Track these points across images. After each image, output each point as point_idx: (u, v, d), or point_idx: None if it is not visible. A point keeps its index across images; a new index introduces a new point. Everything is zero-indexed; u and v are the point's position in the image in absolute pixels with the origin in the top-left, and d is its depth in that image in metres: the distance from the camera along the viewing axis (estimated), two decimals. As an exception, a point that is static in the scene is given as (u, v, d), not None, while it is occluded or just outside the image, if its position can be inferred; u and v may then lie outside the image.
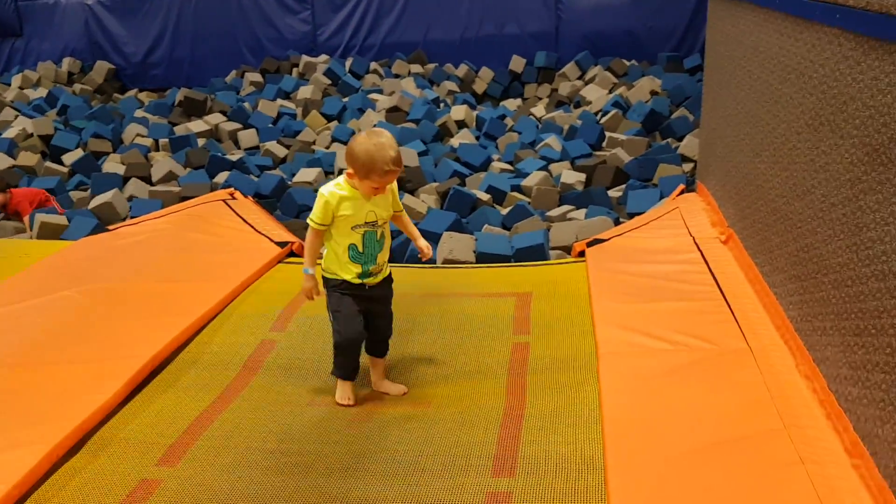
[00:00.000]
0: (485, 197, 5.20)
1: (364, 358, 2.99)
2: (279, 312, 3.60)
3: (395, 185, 2.81)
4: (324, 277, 2.87)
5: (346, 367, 2.91)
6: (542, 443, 2.55)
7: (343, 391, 2.92)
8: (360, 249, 2.77)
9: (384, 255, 2.84)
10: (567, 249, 4.43)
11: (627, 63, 8.19)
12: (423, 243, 2.93)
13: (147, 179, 5.86)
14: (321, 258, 2.89)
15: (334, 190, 2.75)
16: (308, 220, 2.83)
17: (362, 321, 2.86)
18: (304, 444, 2.65)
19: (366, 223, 2.75)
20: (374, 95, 7.72)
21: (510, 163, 6.04)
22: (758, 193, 3.40)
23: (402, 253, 4.40)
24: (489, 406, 2.81)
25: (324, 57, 8.83)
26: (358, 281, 2.82)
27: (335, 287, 2.84)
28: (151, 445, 2.64)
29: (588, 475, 2.37)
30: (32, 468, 2.41)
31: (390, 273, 2.94)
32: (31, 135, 6.93)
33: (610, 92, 7.52)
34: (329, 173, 5.98)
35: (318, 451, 2.59)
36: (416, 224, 4.62)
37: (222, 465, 2.54)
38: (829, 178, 2.55)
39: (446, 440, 2.62)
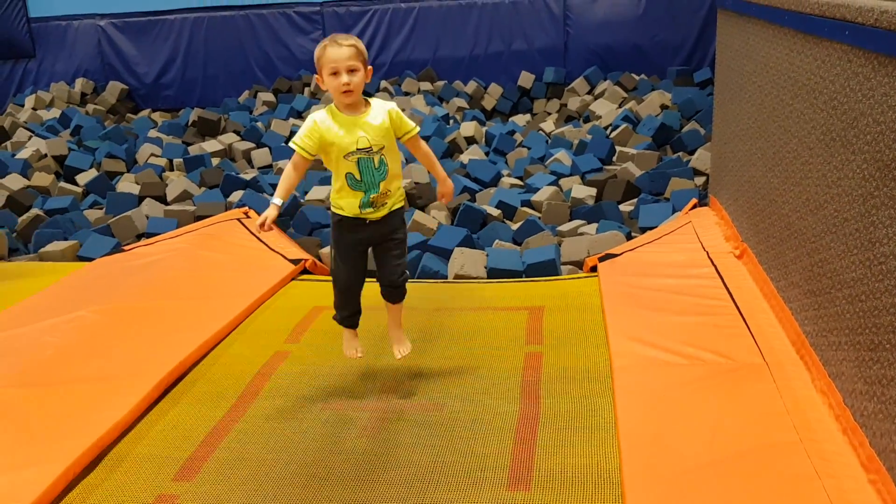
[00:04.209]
0: (495, 212, 5.22)
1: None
2: (293, 327, 3.64)
3: (397, 109, 2.72)
4: (330, 212, 2.82)
5: (339, 307, 2.88)
6: (558, 455, 2.56)
7: (346, 342, 2.91)
8: (358, 177, 2.67)
9: (389, 183, 2.71)
10: (579, 264, 4.43)
11: (637, 77, 8.21)
12: (445, 188, 2.83)
13: (162, 199, 5.90)
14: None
15: (324, 114, 2.68)
16: (291, 143, 2.73)
17: (360, 264, 2.80)
18: (318, 454, 2.67)
19: (358, 150, 2.65)
20: (384, 113, 7.77)
21: (520, 178, 6.06)
22: (771, 208, 3.41)
23: (414, 268, 4.41)
24: (503, 415, 2.83)
25: (335, 75, 8.89)
26: (357, 213, 2.72)
27: (335, 224, 2.79)
28: (167, 460, 2.67)
29: (605, 489, 2.38)
30: (49, 486, 2.43)
31: (401, 208, 2.81)
32: (45, 155, 6.99)
33: (619, 106, 7.54)
34: (341, 191, 6.02)
35: (331, 463, 2.62)
36: (426, 240, 4.68)
37: (238, 478, 2.56)
38: (841, 193, 2.56)
39: (460, 451, 2.63)
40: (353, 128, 2.65)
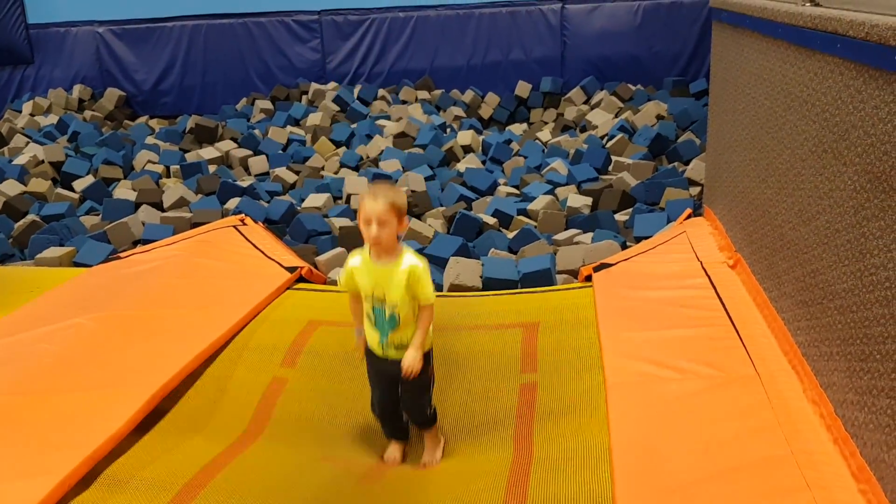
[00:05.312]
0: (491, 221, 5.23)
1: None
2: (288, 345, 3.62)
3: (420, 273, 2.73)
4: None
5: (383, 428, 2.99)
6: (552, 484, 2.55)
7: (389, 449, 2.97)
8: (373, 321, 2.78)
9: (399, 336, 2.76)
10: (574, 273, 4.45)
11: (633, 88, 8.24)
12: (407, 358, 2.74)
13: (158, 206, 5.91)
14: None
15: (355, 257, 2.82)
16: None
17: (390, 394, 2.88)
18: (316, 492, 2.66)
19: (373, 296, 2.74)
20: (381, 121, 7.79)
21: (516, 187, 6.07)
22: (764, 219, 3.43)
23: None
24: (497, 457, 2.81)
25: (333, 84, 8.92)
26: (379, 351, 2.83)
27: (366, 353, 2.91)
28: (165, 484, 2.62)
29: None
30: (42, 499, 2.41)
31: (426, 352, 2.81)
32: (42, 161, 6.98)
33: (616, 116, 7.57)
34: (338, 198, 6.04)
35: (329, 501, 2.61)
36: (422, 250, 4.69)
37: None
38: (832, 204, 2.57)
39: (455, 491, 2.62)
40: (374, 277, 2.75)
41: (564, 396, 3.11)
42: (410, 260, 2.74)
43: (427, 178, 6.14)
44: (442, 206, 5.68)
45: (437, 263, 4.58)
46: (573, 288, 4.17)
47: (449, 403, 3.19)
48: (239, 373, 3.43)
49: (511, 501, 2.52)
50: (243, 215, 5.16)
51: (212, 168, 6.82)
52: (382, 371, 2.86)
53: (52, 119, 8.50)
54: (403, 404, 2.90)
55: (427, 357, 2.84)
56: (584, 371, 3.25)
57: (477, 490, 2.59)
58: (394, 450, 2.95)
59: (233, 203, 5.72)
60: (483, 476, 2.69)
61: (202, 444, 2.92)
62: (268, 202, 5.89)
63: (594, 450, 2.69)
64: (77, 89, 9.31)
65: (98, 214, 5.88)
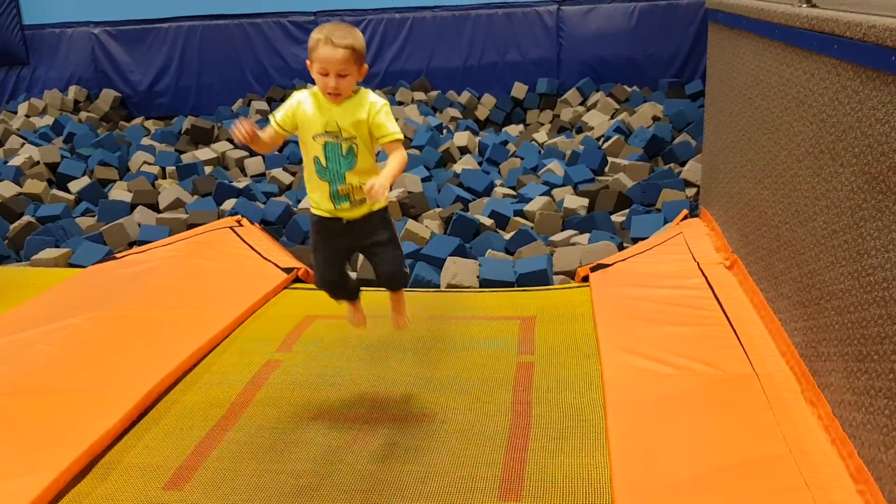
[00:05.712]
0: (488, 222, 5.23)
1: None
2: (285, 336, 3.65)
3: (380, 107, 2.53)
4: (309, 213, 2.72)
5: (333, 297, 2.84)
6: (549, 465, 2.58)
7: (348, 312, 2.88)
8: (324, 164, 2.52)
9: (357, 177, 2.52)
10: (571, 274, 4.45)
11: (629, 89, 8.25)
12: (375, 182, 2.38)
13: (154, 207, 5.90)
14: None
15: (307, 93, 2.58)
16: (269, 116, 2.65)
17: (338, 265, 2.72)
18: (310, 464, 2.67)
19: (326, 132, 2.49)
20: (377, 122, 7.78)
21: (513, 188, 6.07)
22: (761, 220, 3.44)
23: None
24: (495, 425, 2.84)
25: (328, 84, 8.91)
26: (332, 209, 2.59)
27: (312, 225, 2.69)
28: (157, 469, 2.66)
29: (595, 499, 2.39)
30: (39, 494, 2.43)
31: (382, 209, 2.62)
32: (38, 162, 6.97)
33: (612, 117, 7.57)
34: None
35: (324, 472, 2.62)
36: (419, 249, 4.69)
37: (229, 488, 2.56)
38: (830, 205, 2.58)
39: (452, 462, 2.64)
40: (327, 111, 2.52)
41: (561, 377, 3.15)
42: (372, 97, 2.53)
43: (423, 180, 6.13)
44: (438, 207, 5.68)
45: (434, 264, 4.58)
46: (570, 287, 4.19)
47: (446, 374, 3.24)
48: (231, 358, 3.47)
49: (510, 461, 2.58)
50: (239, 216, 5.16)
51: (208, 169, 6.81)
52: (337, 243, 2.62)
53: (48, 120, 8.48)
54: (378, 264, 2.69)
55: (385, 214, 2.67)
56: (581, 358, 3.29)
57: (474, 463, 2.62)
58: (354, 311, 2.90)
59: (229, 204, 5.71)
60: (481, 444, 2.72)
61: (192, 422, 2.97)
62: (264, 203, 5.88)
63: (591, 432, 2.75)
64: (72, 90, 9.29)
65: (94, 216, 5.86)
